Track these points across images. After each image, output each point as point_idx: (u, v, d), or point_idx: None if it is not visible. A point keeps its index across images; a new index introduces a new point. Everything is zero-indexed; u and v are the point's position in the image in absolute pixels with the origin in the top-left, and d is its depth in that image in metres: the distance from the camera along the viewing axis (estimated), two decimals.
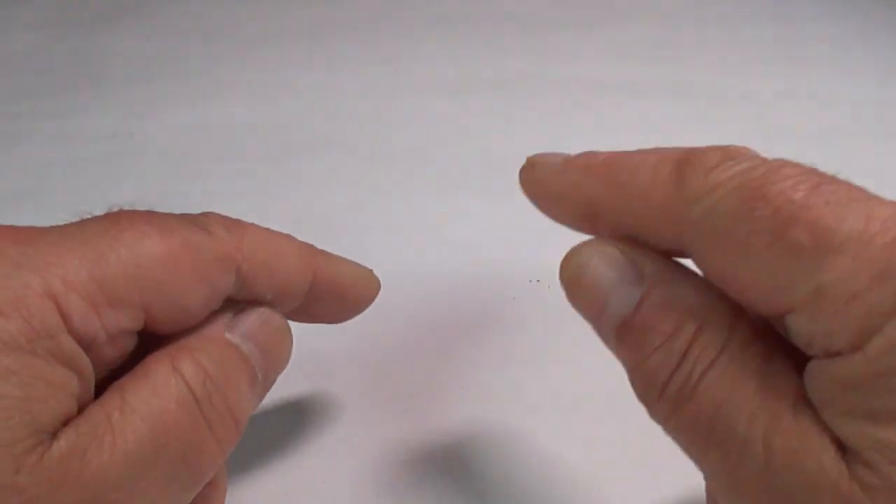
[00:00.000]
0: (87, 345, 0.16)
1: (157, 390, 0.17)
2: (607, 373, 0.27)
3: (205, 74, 0.50)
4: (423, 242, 0.34)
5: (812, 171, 0.15)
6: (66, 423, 0.15)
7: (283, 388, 0.27)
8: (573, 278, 0.18)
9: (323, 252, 0.22)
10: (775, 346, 0.16)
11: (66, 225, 0.17)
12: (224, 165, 0.40)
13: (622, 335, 0.17)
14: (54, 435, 0.15)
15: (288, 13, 0.59)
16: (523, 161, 0.20)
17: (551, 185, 0.19)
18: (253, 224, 0.20)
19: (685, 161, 0.16)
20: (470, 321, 0.30)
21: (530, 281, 0.31)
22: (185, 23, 0.58)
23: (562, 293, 0.32)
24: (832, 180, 0.15)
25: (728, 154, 0.16)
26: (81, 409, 0.16)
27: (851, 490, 0.13)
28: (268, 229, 0.20)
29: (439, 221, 0.35)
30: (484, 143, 0.42)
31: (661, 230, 0.16)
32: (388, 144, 0.42)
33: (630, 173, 0.17)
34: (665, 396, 0.16)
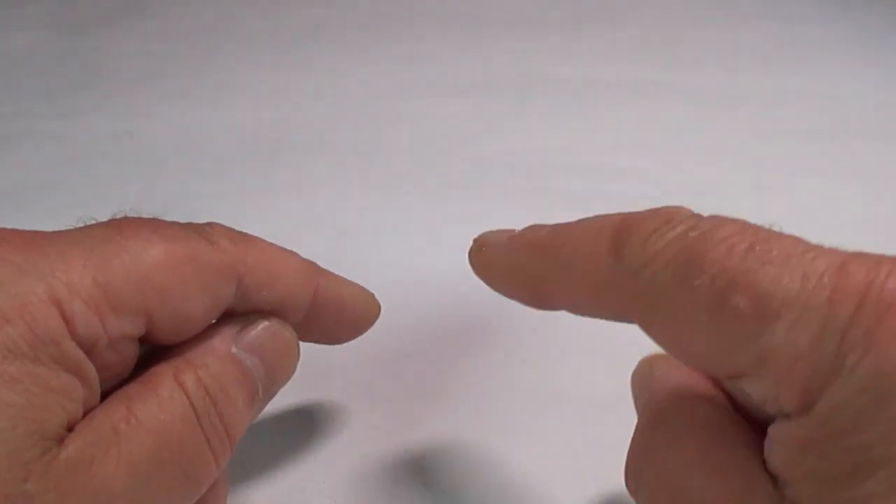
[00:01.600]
0: (89, 349, 0.16)
1: (163, 404, 0.17)
2: (607, 373, 0.27)
3: (205, 74, 0.50)
4: (423, 242, 0.34)
5: (746, 230, 0.15)
6: (70, 429, 0.16)
7: (285, 389, 0.27)
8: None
9: (325, 270, 0.22)
10: (734, 429, 0.16)
11: (69, 231, 0.17)
12: (224, 165, 0.40)
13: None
14: (60, 442, 0.15)
15: (288, 13, 0.59)
16: (471, 246, 0.21)
17: (499, 265, 0.20)
18: (257, 237, 0.20)
19: (622, 231, 0.16)
20: (470, 322, 0.30)
21: None
22: (186, 23, 0.58)
23: None
24: (767, 237, 0.14)
25: (662, 219, 0.16)
26: (86, 413, 0.16)
27: None
28: (271, 243, 0.20)
29: (439, 221, 0.35)
30: (484, 144, 0.42)
31: (606, 303, 0.17)
32: (388, 144, 0.42)
33: (570, 248, 0.17)
34: (636, 483, 0.17)
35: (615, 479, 0.23)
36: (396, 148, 0.41)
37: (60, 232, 0.17)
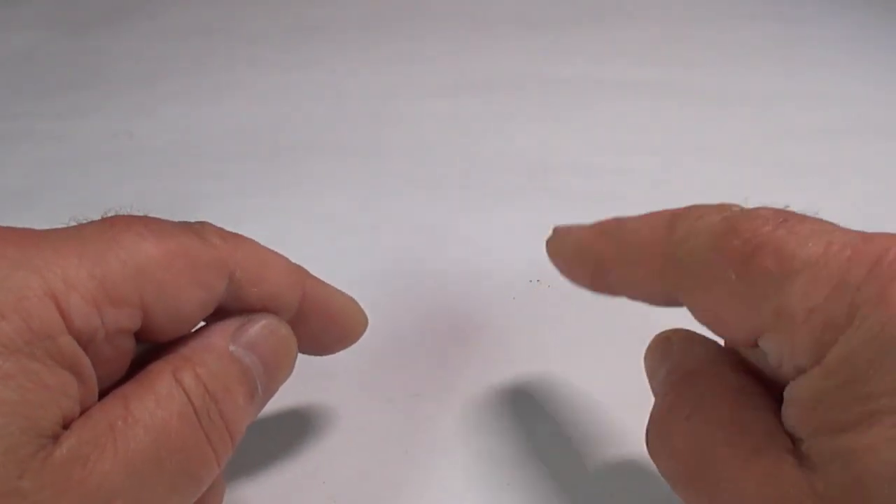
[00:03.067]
0: (86, 344, 0.16)
1: (160, 401, 0.17)
2: (607, 373, 0.27)
3: (205, 74, 0.50)
4: (423, 242, 0.34)
5: (785, 212, 0.16)
6: (66, 426, 0.15)
7: (284, 389, 0.27)
8: (644, 365, 0.22)
9: (313, 276, 0.22)
10: (754, 394, 0.17)
11: (63, 228, 0.17)
12: (224, 165, 0.40)
13: (656, 401, 0.20)
14: (55, 439, 0.15)
15: (288, 13, 0.59)
16: (550, 233, 0.23)
17: (569, 248, 0.22)
18: (245, 237, 0.20)
19: (677, 213, 0.18)
20: (470, 321, 0.30)
21: (530, 281, 0.31)
22: (185, 23, 0.58)
23: (562, 293, 0.32)
24: (800, 217, 0.16)
25: (716, 207, 0.18)
26: (83, 410, 0.16)
27: None
28: (260, 244, 0.21)
29: (439, 221, 0.35)
30: (484, 143, 0.42)
31: (655, 279, 0.19)
32: (388, 144, 0.42)
33: (632, 229, 0.19)
34: (659, 446, 0.18)
35: (615, 479, 0.24)
36: (396, 148, 0.42)
37: (53, 229, 0.17)
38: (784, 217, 0.16)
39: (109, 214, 0.18)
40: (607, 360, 0.28)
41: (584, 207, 0.36)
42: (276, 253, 0.21)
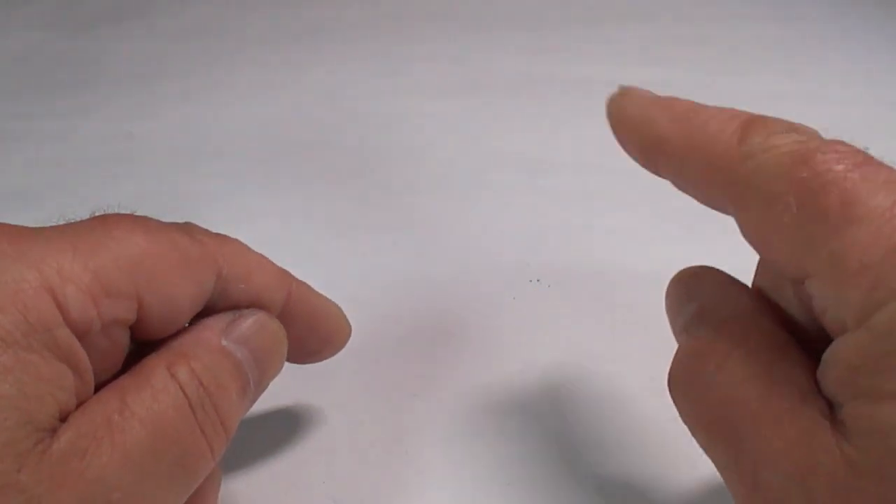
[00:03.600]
0: (82, 336, 0.16)
1: (156, 395, 0.17)
2: (607, 373, 0.27)
3: (205, 74, 0.50)
4: (423, 242, 0.34)
5: (861, 153, 0.15)
6: (63, 419, 0.16)
7: (284, 389, 0.27)
8: (665, 299, 0.21)
9: (297, 279, 0.22)
10: (790, 349, 0.16)
11: (56, 225, 0.18)
12: (224, 165, 0.40)
13: (679, 338, 0.19)
14: (53, 432, 0.15)
15: (288, 13, 0.59)
16: (614, 89, 0.22)
17: (632, 114, 0.20)
18: (231, 237, 0.21)
19: (752, 121, 0.17)
20: (470, 321, 0.30)
21: (530, 281, 0.31)
22: (185, 23, 0.58)
23: (562, 293, 0.32)
24: (877, 163, 0.15)
25: (793, 126, 0.17)
26: (80, 404, 0.16)
27: (846, 481, 0.14)
28: (246, 245, 0.21)
29: (439, 221, 0.35)
30: (484, 144, 0.42)
31: (713, 178, 0.17)
32: (388, 144, 0.42)
33: (702, 121, 0.18)
34: (684, 392, 0.18)
35: (615, 479, 0.23)
36: (396, 147, 0.42)
37: (47, 226, 0.17)
38: (861, 159, 0.15)
39: (98, 213, 0.18)
40: (607, 359, 0.28)
41: (584, 207, 0.36)
42: (260, 254, 0.21)
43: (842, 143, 0.16)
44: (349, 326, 0.24)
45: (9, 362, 0.15)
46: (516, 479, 0.24)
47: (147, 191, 0.38)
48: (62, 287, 0.16)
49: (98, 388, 0.17)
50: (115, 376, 0.18)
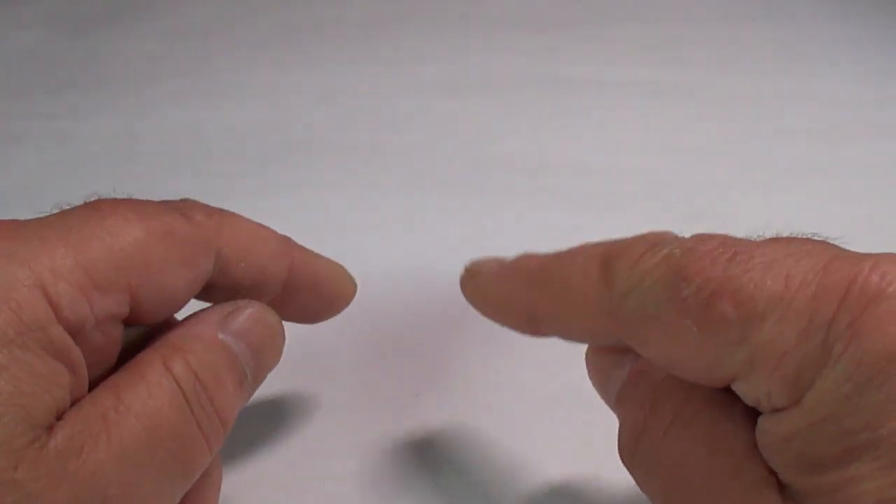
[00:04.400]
0: (76, 332, 0.16)
1: (151, 391, 0.17)
2: None
3: (205, 74, 0.50)
4: (423, 242, 0.34)
5: (728, 242, 0.15)
6: (59, 416, 0.16)
7: (284, 389, 0.27)
8: (587, 367, 0.21)
9: (300, 245, 0.22)
10: (732, 406, 0.16)
11: (47, 217, 0.17)
12: (224, 165, 0.40)
13: (616, 407, 0.19)
14: (49, 429, 0.15)
15: (288, 13, 0.59)
16: (463, 274, 0.21)
17: (491, 293, 0.20)
18: (231, 212, 0.21)
19: (611, 257, 0.17)
20: (470, 321, 0.30)
21: None
22: (186, 23, 0.58)
23: None
24: (748, 247, 0.15)
25: (648, 243, 0.16)
26: (74, 401, 0.16)
27: None
28: (246, 218, 0.21)
29: (439, 221, 0.35)
30: (484, 143, 0.42)
31: (598, 328, 0.17)
32: (388, 144, 0.42)
33: (561, 278, 0.18)
34: (633, 460, 0.17)
35: (615, 479, 0.23)
36: (396, 147, 0.42)
37: (37, 219, 0.17)
38: (731, 250, 0.15)
39: (92, 198, 0.18)
40: None
41: (584, 207, 0.36)
42: (261, 225, 0.21)
43: (704, 240, 0.15)
44: (354, 284, 0.24)
45: (4, 360, 0.15)
46: (516, 478, 0.24)
47: (147, 191, 0.38)
48: (54, 285, 0.16)
49: (93, 383, 0.17)
50: (110, 371, 0.18)
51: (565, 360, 0.28)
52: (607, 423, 0.25)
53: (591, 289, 0.17)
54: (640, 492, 0.23)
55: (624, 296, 0.16)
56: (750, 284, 0.14)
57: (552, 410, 0.26)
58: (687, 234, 0.17)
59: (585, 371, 0.27)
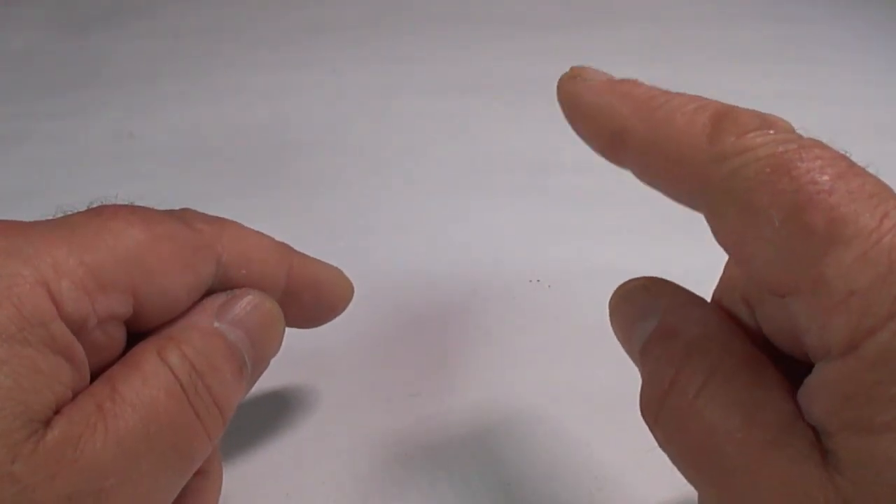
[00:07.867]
0: (77, 330, 0.16)
1: (147, 380, 0.17)
2: (607, 373, 0.27)
3: (205, 74, 0.50)
4: (423, 242, 0.34)
5: (842, 158, 0.15)
6: (59, 411, 0.16)
7: (284, 389, 0.27)
8: (610, 315, 0.20)
9: (297, 251, 0.22)
10: (768, 370, 0.16)
11: (51, 219, 0.18)
12: (224, 165, 0.40)
13: (640, 360, 0.18)
14: (47, 424, 0.15)
15: (288, 13, 0.59)
16: (565, 73, 0.20)
17: (587, 98, 0.19)
18: (230, 220, 0.21)
19: (722, 116, 0.16)
20: (470, 321, 0.30)
21: (530, 281, 0.31)
22: (186, 23, 0.58)
23: (562, 293, 0.32)
24: (860, 171, 0.14)
25: (766, 121, 0.16)
26: (75, 397, 0.16)
27: None
28: (244, 226, 0.21)
29: (439, 221, 0.36)
30: (484, 143, 0.42)
31: (682, 177, 0.16)
32: (388, 144, 0.42)
33: (667, 113, 0.17)
34: (660, 421, 0.17)
35: (615, 479, 0.24)
36: (396, 147, 0.42)
37: (41, 220, 0.17)
38: (844, 168, 0.14)
39: (94, 204, 0.18)
40: (608, 360, 0.28)
41: (584, 206, 0.36)
42: (260, 233, 0.21)
43: (820, 145, 0.15)
44: (351, 287, 0.24)
45: (4, 355, 0.15)
46: (516, 478, 0.24)
47: (147, 191, 0.38)
48: (57, 282, 0.16)
49: (94, 378, 0.17)
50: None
51: (566, 360, 0.28)
52: (607, 423, 0.25)
53: (691, 136, 0.16)
54: (640, 491, 0.23)
55: (721, 159, 0.15)
56: (847, 206, 0.13)
57: (552, 410, 0.26)
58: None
59: (585, 371, 0.27)
